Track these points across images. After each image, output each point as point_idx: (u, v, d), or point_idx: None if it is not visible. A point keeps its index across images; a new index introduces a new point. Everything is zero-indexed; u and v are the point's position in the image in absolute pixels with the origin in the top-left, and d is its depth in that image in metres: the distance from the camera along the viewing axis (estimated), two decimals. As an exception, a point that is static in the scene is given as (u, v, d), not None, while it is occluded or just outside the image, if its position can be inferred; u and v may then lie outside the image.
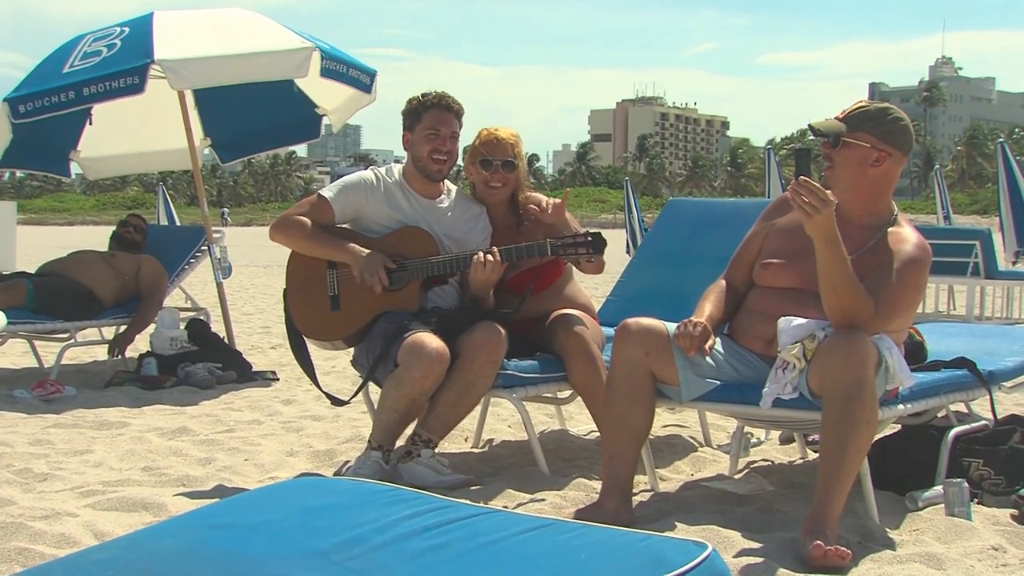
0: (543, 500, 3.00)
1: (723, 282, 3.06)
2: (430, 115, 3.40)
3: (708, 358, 2.85)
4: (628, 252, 15.22)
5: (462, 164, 3.67)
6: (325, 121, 6.54)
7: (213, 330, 5.99)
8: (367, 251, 3.33)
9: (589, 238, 3.25)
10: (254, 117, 6.57)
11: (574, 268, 3.51)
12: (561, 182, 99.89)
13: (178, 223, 12.36)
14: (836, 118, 2.81)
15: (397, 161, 3.60)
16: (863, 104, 2.81)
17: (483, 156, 3.49)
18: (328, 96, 6.24)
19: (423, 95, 3.43)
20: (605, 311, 4.01)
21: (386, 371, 3.21)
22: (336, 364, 6.11)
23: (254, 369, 5.70)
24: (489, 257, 3.23)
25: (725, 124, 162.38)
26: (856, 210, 2.82)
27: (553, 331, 3.40)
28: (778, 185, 11.80)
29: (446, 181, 3.57)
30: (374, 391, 3.48)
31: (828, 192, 2.57)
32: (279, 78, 5.65)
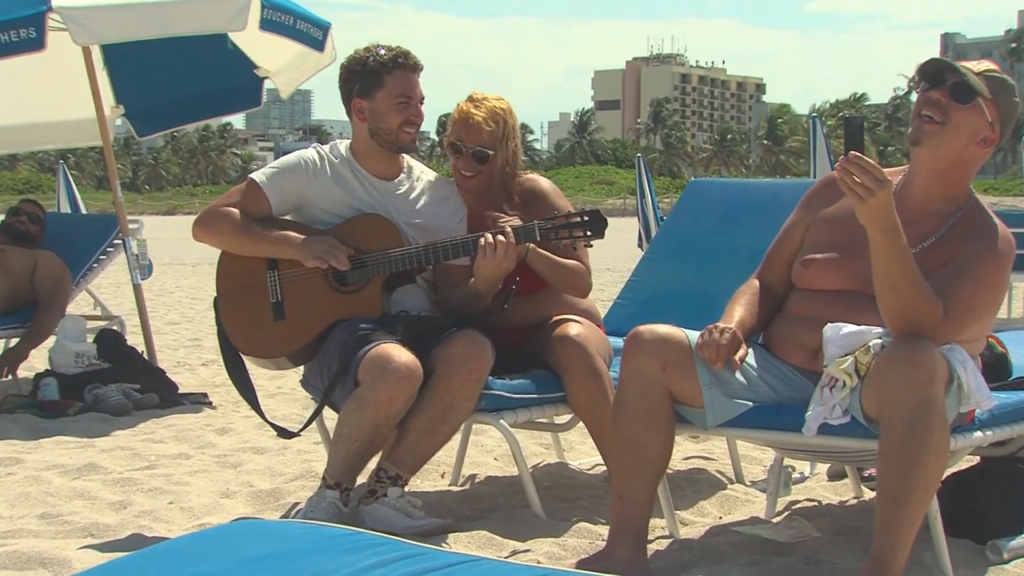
0: (538, 549, 3.01)
1: (756, 282, 3.08)
2: (396, 78, 3.40)
3: (738, 373, 2.87)
4: (640, 245, 15.24)
5: (435, 138, 3.68)
6: (268, 85, 6.53)
7: (129, 343, 5.98)
8: (310, 238, 3.33)
9: (585, 217, 3.26)
10: (178, 80, 6.57)
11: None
12: (558, 160, 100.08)
13: (84, 211, 12.34)
14: (977, 73, 2.74)
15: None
16: (993, 68, 2.78)
17: (455, 138, 3.51)
18: (272, 54, 6.24)
19: (376, 53, 3.41)
20: (612, 317, 4.03)
21: (344, 392, 3.21)
22: (282, 385, 6.10)
23: (181, 391, 5.69)
24: (500, 238, 3.23)
25: (760, 87, 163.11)
26: (929, 193, 2.83)
27: (549, 342, 3.41)
28: (826, 163, 11.83)
29: (404, 156, 3.57)
30: (329, 417, 3.48)
31: (884, 171, 2.58)
32: (209, 32, 5.64)
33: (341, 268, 3.30)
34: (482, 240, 3.24)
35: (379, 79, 3.40)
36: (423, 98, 3.46)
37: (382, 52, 3.41)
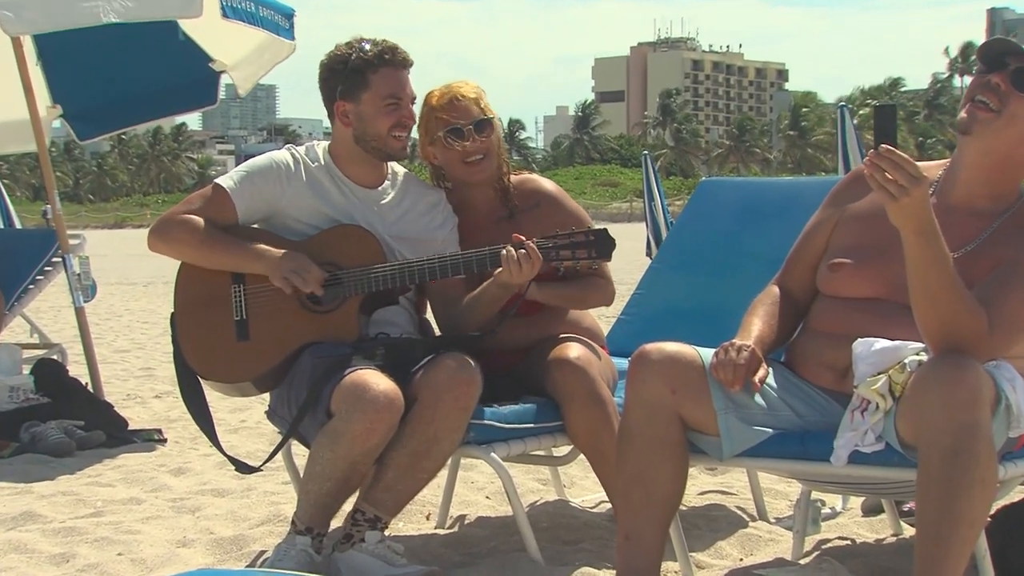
0: (535, 599, 3.01)
1: (776, 290, 3.10)
2: (383, 77, 3.40)
3: (758, 396, 2.88)
4: (649, 254, 15.28)
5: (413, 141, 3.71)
6: (226, 80, 6.55)
7: (71, 374, 5.97)
8: (281, 252, 3.35)
9: (591, 236, 3.27)
10: (123, 76, 6.58)
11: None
12: (555, 159, 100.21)
13: (18, 225, 12.31)
14: None
15: (328, 133, 3.61)
16: None
17: (448, 124, 3.53)
18: (229, 45, 6.26)
19: (359, 49, 3.42)
20: (616, 335, 4.04)
21: (315, 424, 3.21)
22: (246, 417, 6.10)
23: (131, 427, 5.69)
24: (522, 252, 3.24)
25: (782, 73, 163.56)
26: (974, 190, 2.85)
27: (545, 365, 3.42)
28: (857, 158, 11.86)
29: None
30: (299, 454, 3.48)
31: (919, 166, 2.59)
32: (159, 19, 5.65)
33: (309, 292, 3.30)
34: (503, 253, 3.25)
35: (364, 78, 3.40)
36: (414, 97, 3.47)
37: (366, 47, 3.41)
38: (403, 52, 3.44)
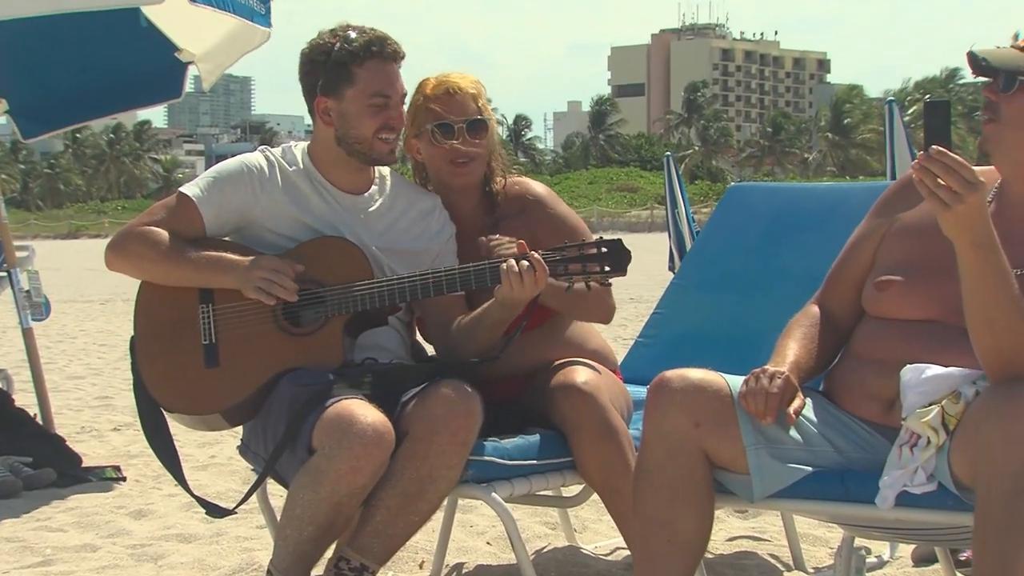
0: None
1: (815, 310, 3.10)
2: (369, 71, 3.40)
3: (793, 430, 2.88)
4: (672, 268, 15.26)
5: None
6: (193, 71, 6.58)
7: (17, 404, 5.97)
8: (251, 259, 3.35)
9: (604, 248, 3.28)
10: (76, 67, 6.59)
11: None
12: (567, 161, 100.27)
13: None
14: (1015, 46, 2.83)
15: (310, 131, 3.63)
16: None
17: (439, 118, 3.54)
18: (197, 33, 6.27)
19: (345, 38, 3.41)
20: (634, 360, 4.05)
21: (294, 462, 3.22)
22: (216, 452, 6.10)
23: (85, 464, 5.69)
24: (524, 264, 3.24)
25: (823, 64, 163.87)
26: None
27: (552, 393, 3.42)
28: (907, 160, 11.87)
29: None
30: (276, 493, 3.48)
31: (975, 170, 2.60)
32: (117, 6, 5.67)
33: (287, 299, 3.31)
34: (503, 267, 3.25)
35: (348, 72, 3.40)
36: (405, 94, 3.48)
37: (352, 36, 3.41)
38: (394, 43, 3.44)
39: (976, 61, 2.79)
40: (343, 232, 3.44)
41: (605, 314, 3.58)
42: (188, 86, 6.63)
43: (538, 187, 3.67)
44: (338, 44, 3.40)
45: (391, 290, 3.32)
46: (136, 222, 3.49)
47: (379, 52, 3.40)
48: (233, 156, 3.59)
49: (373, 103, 3.40)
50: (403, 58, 3.47)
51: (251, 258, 3.35)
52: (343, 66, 3.39)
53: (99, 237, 55.89)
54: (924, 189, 2.61)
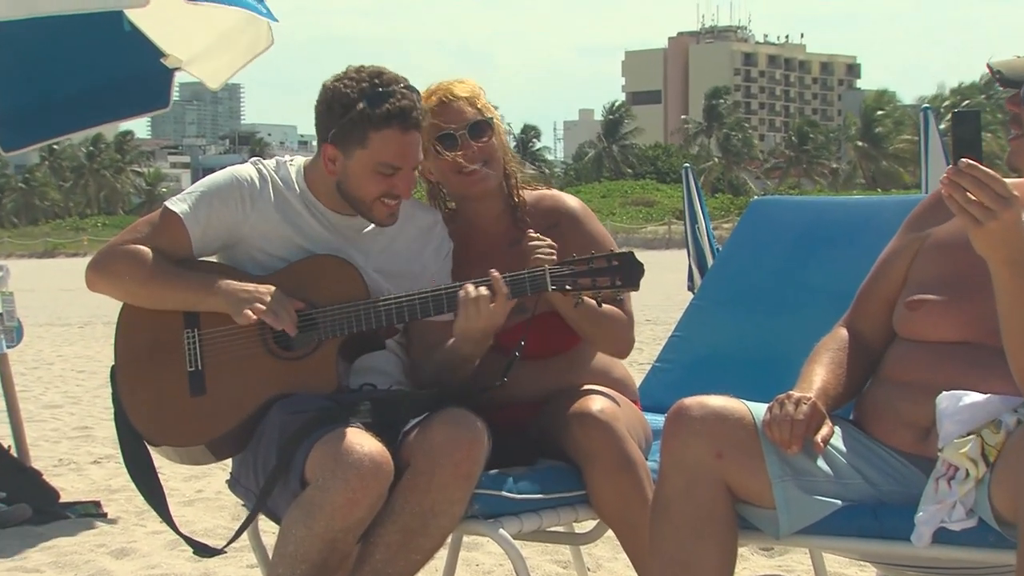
0: None
1: (844, 332, 3.11)
2: (385, 140, 3.36)
3: (822, 460, 2.88)
4: (692, 287, 15.27)
5: None
6: (181, 79, 6.58)
7: (-8, 434, 5.98)
8: (242, 285, 3.36)
9: (614, 261, 3.29)
10: (55, 76, 6.60)
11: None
12: (578, 173, 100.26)
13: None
14: None
15: (304, 143, 3.61)
16: None
17: (439, 130, 3.55)
18: (185, 37, 6.27)
19: (369, 95, 3.35)
20: (651, 386, 4.05)
21: (287, 495, 3.22)
22: (203, 486, 6.10)
23: (63, 500, 5.69)
24: (483, 290, 3.26)
25: (853, 68, 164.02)
26: None
27: (564, 422, 3.42)
28: (943, 170, 11.89)
29: None
30: (268, 530, 3.48)
31: (1007, 182, 2.61)
32: (97, 9, 5.69)
33: (281, 328, 3.31)
34: (462, 293, 3.27)
35: (363, 135, 3.36)
36: (419, 163, 3.44)
37: (378, 95, 3.35)
38: (420, 111, 3.38)
39: (998, 75, 2.82)
40: (338, 254, 3.45)
41: (623, 344, 3.57)
42: (174, 94, 6.64)
43: (572, 201, 3.68)
44: (360, 102, 3.35)
45: (388, 310, 3.32)
46: (119, 239, 3.50)
47: (400, 122, 3.35)
48: (222, 168, 3.59)
49: (380, 171, 3.39)
50: (424, 125, 3.42)
51: (244, 283, 3.36)
52: (359, 127, 3.36)
53: (77, 256, 55.96)
54: (954, 205, 2.62)
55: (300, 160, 3.58)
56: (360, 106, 3.35)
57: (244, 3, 5.56)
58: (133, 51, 6.33)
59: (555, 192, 3.69)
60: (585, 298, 3.29)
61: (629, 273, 3.28)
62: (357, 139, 3.37)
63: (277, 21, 5.70)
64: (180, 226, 3.44)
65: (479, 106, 3.59)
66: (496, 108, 3.68)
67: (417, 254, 3.54)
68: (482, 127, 3.56)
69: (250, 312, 3.30)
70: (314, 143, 3.58)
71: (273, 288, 3.35)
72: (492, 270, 3.29)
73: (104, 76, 6.56)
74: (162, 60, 6.43)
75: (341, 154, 3.41)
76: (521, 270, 3.32)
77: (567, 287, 3.27)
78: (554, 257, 3.34)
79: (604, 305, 3.40)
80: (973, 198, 2.58)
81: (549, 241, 3.39)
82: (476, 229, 3.63)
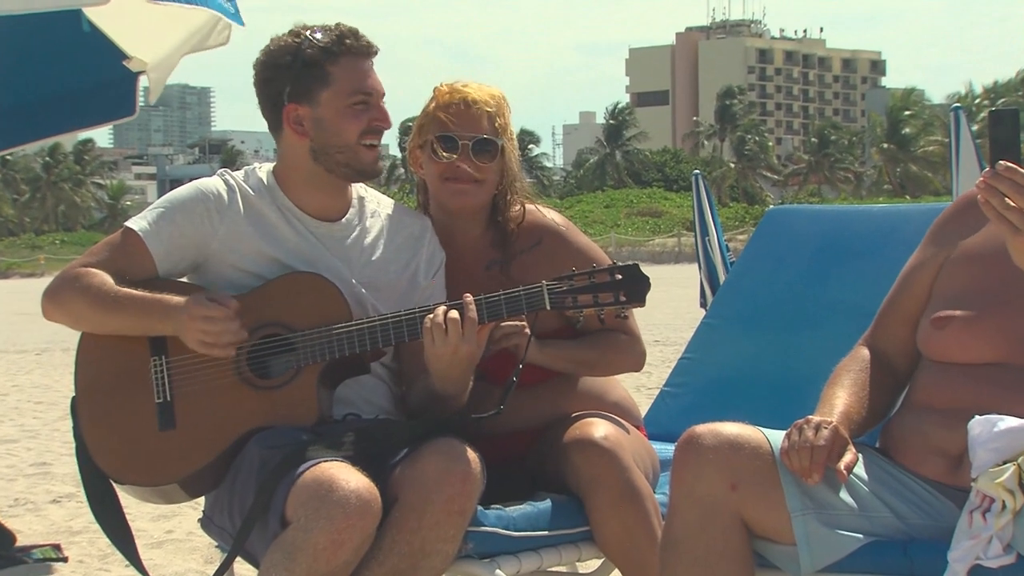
0: None
1: (867, 353, 3.12)
2: (345, 68, 3.44)
3: (845, 491, 2.89)
4: (704, 304, 15.27)
5: (399, 150, 3.73)
6: (144, 82, 6.59)
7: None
8: (195, 293, 3.36)
9: (617, 275, 3.29)
10: (6, 82, 6.61)
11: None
12: (579, 181, 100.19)
13: None
14: None
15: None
16: None
17: (443, 129, 3.58)
18: (148, 37, 6.28)
19: (310, 37, 3.44)
20: (659, 413, 4.06)
21: (266, 536, 3.21)
22: (173, 527, 6.09)
23: (19, 543, 5.68)
24: (453, 314, 3.27)
25: (877, 65, 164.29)
26: None
27: (566, 452, 3.44)
28: (976, 174, 11.92)
29: (353, 184, 3.60)
30: (244, 573, 3.48)
31: None
32: (53, 7, 5.69)
33: (221, 353, 3.29)
34: (427, 320, 3.27)
35: (322, 73, 3.43)
36: (383, 94, 3.51)
37: (318, 36, 3.45)
38: (366, 38, 3.48)
39: None
40: (318, 266, 3.45)
41: (633, 365, 3.61)
42: (139, 100, 6.65)
43: (554, 216, 3.70)
44: (304, 43, 3.43)
45: (373, 331, 3.32)
46: (75, 264, 3.50)
47: (353, 46, 3.44)
48: (191, 180, 3.60)
49: (355, 103, 3.43)
50: (376, 53, 3.50)
51: (192, 298, 3.34)
52: (315, 66, 3.42)
53: (33, 276, 55.89)
54: (990, 211, 2.63)
55: (269, 165, 3.60)
56: (306, 46, 3.42)
57: (211, 3, 5.55)
58: (93, 54, 6.32)
59: (534, 207, 3.69)
60: (586, 314, 3.29)
61: (634, 287, 3.28)
62: (318, 79, 3.42)
63: (243, 25, 5.72)
64: (141, 245, 3.44)
65: (497, 124, 3.61)
66: (512, 132, 3.67)
67: (405, 265, 3.55)
68: (489, 147, 3.58)
69: (204, 349, 3.30)
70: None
71: (205, 306, 3.31)
72: (466, 294, 3.29)
73: (62, 82, 6.56)
74: (125, 63, 6.43)
75: (307, 106, 3.44)
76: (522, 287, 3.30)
77: (567, 304, 3.28)
78: (522, 341, 3.36)
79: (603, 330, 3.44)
80: (1012, 204, 2.59)
81: (523, 325, 3.38)
82: (452, 247, 3.63)
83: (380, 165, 3.54)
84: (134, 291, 3.39)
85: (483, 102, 3.59)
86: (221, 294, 3.35)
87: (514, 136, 3.68)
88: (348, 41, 3.44)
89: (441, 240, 3.64)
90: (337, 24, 3.49)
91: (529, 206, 3.69)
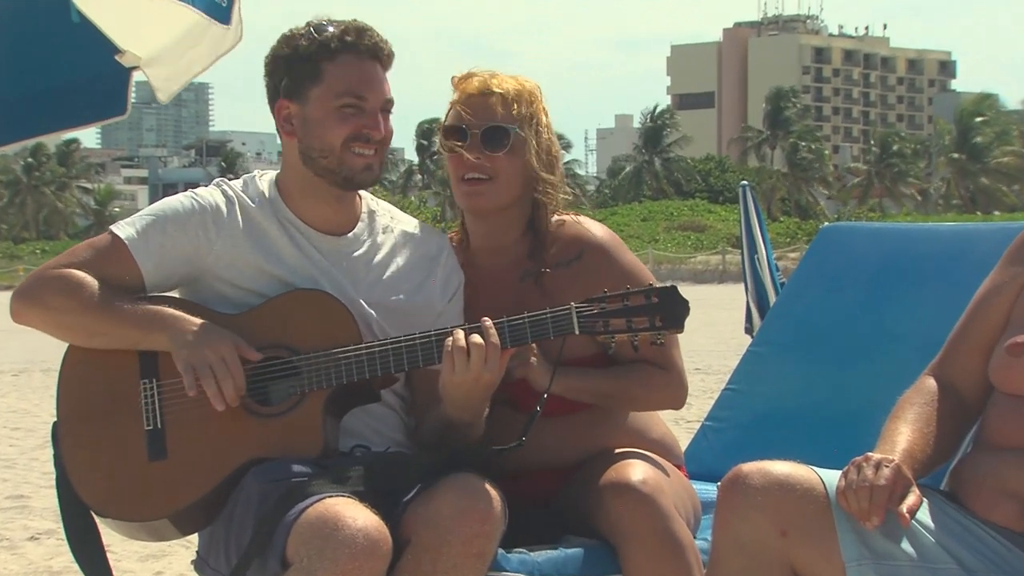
0: None
1: (933, 385, 3.12)
2: (341, 68, 3.46)
3: (906, 541, 2.89)
4: (750, 331, 15.25)
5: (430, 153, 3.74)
6: (139, 78, 6.61)
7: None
8: (200, 324, 3.37)
9: (653, 297, 3.30)
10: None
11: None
12: (614, 191, 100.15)
13: None
14: None
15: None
16: None
17: (455, 120, 3.60)
18: (143, 29, 6.31)
19: (315, 29, 3.48)
20: (700, 450, 4.07)
21: (264, 577, 3.23)
22: (163, 568, 6.10)
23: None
24: (475, 338, 3.28)
25: (947, 67, 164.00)
26: None
27: (599, 493, 3.43)
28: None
29: (363, 194, 3.64)
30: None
31: None
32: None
33: (223, 403, 3.30)
34: (448, 342, 3.28)
35: (315, 69, 3.46)
36: (389, 102, 3.51)
37: (328, 31, 3.47)
38: (375, 37, 3.48)
39: None
40: (322, 284, 3.47)
41: (672, 401, 3.59)
42: (131, 97, 6.68)
43: (598, 230, 3.68)
44: (305, 37, 3.46)
45: (384, 355, 3.33)
46: (52, 263, 3.52)
47: (354, 45, 3.45)
48: (186, 185, 3.62)
49: (342, 105, 3.44)
50: (389, 57, 3.50)
51: (202, 323, 3.36)
52: (309, 61, 3.45)
53: (11, 289, 56.00)
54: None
55: (272, 173, 3.62)
56: (305, 40, 3.45)
57: (200, 2, 5.59)
58: (82, 47, 6.35)
59: (578, 218, 3.69)
60: (619, 340, 3.29)
61: (671, 312, 3.28)
62: (311, 75, 3.45)
63: (229, 23, 5.74)
64: (126, 254, 3.46)
65: (515, 112, 3.58)
66: (542, 125, 3.64)
67: (418, 286, 3.56)
68: (499, 135, 3.59)
69: (185, 374, 3.30)
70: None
71: (229, 340, 3.34)
72: (484, 318, 3.30)
73: (47, 77, 6.58)
74: (117, 58, 6.47)
75: (296, 104, 3.47)
76: (536, 310, 3.31)
77: (598, 329, 3.28)
78: (534, 369, 3.38)
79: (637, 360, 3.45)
80: None
81: (531, 362, 3.39)
82: (487, 253, 3.66)
83: (371, 175, 3.51)
84: (126, 299, 3.41)
85: (498, 87, 3.60)
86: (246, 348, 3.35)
87: (545, 131, 3.64)
88: (349, 38, 3.46)
89: (477, 247, 3.66)
90: (352, 20, 3.51)
91: (574, 217, 3.68)
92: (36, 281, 3.49)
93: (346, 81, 3.46)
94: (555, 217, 3.66)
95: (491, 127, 3.58)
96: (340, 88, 3.45)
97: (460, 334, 3.27)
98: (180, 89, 6.48)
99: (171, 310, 3.40)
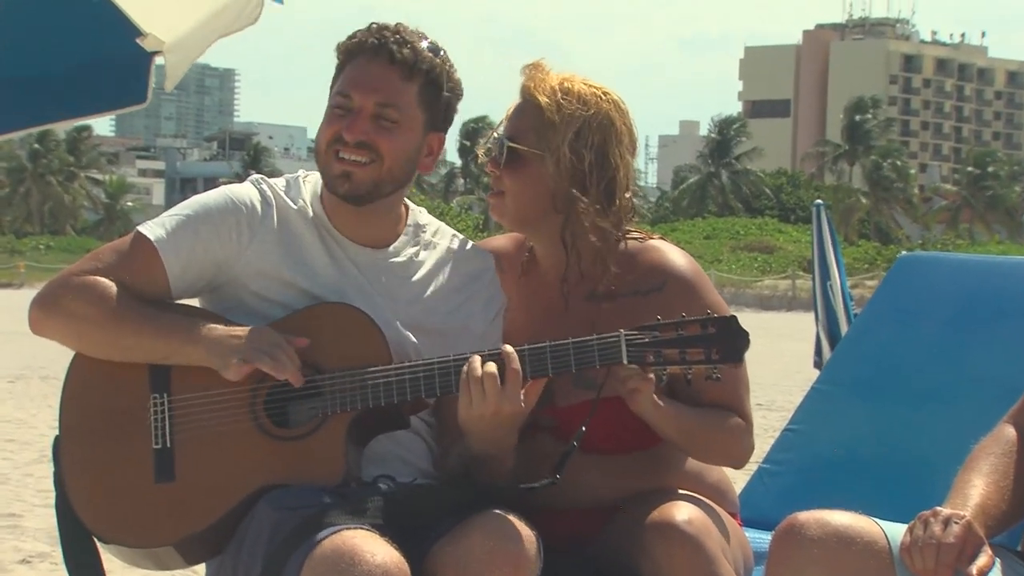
0: None
1: (1012, 433, 3.13)
2: (352, 67, 3.53)
3: (979, 603, 2.89)
4: (819, 364, 15.19)
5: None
6: (158, 61, 6.65)
7: None
8: (236, 328, 3.40)
9: (710, 328, 3.31)
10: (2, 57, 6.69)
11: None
12: (675, 205, 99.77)
13: None
14: None
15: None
16: None
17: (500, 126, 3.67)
18: (168, 10, 6.35)
19: (361, 29, 3.54)
20: (754, 495, 4.08)
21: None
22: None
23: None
24: (491, 366, 3.31)
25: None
26: None
27: (641, 536, 3.43)
28: None
29: (411, 206, 3.67)
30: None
31: None
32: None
33: (283, 378, 3.32)
34: (464, 370, 3.30)
35: (338, 74, 3.56)
36: (385, 107, 3.48)
37: (372, 28, 3.54)
38: (400, 42, 3.48)
39: None
40: (353, 299, 3.49)
41: (739, 457, 3.57)
42: (151, 85, 6.72)
43: (684, 260, 3.63)
44: (349, 36, 3.55)
45: (415, 379, 3.35)
46: (75, 269, 3.54)
47: (367, 45, 3.51)
48: (206, 179, 3.70)
49: (333, 105, 3.52)
50: (403, 62, 3.48)
51: (238, 326, 3.39)
52: (338, 65, 3.56)
53: (11, 287, 56.21)
54: None
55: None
56: (343, 42, 3.55)
57: None
58: (101, 28, 6.38)
59: (659, 244, 3.66)
60: (671, 372, 3.31)
61: (729, 344, 3.30)
62: (335, 76, 3.55)
63: (282, 3, 5.77)
64: (155, 257, 3.48)
65: (547, 118, 3.56)
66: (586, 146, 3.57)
67: (458, 308, 3.59)
68: (509, 154, 3.62)
69: (241, 364, 3.33)
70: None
71: (267, 328, 3.39)
72: (505, 345, 3.33)
73: (62, 60, 6.62)
74: (138, 41, 6.50)
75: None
76: (589, 335, 3.32)
77: (648, 360, 3.30)
78: (651, 386, 3.34)
79: (706, 401, 3.45)
80: None
81: (649, 376, 3.35)
82: (539, 274, 3.69)
83: (349, 186, 3.48)
84: (154, 309, 3.44)
85: (539, 90, 3.59)
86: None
87: (619, 147, 3.59)
88: (371, 41, 3.51)
89: (533, 269, 3.69)
90: (398, 23, 3.56)
91: (652, 241, 3.66)
92: (59, 288, 3.50)
93: (344, 82, 3.53)
94: (632, 234, 3.65)
95: (499, 141, 3.64)
96: (337, 88, 3.54)
97: (476, 361, 3.29)
98: (183, 74, 6.53)
99: (201, 322, 3.42)
